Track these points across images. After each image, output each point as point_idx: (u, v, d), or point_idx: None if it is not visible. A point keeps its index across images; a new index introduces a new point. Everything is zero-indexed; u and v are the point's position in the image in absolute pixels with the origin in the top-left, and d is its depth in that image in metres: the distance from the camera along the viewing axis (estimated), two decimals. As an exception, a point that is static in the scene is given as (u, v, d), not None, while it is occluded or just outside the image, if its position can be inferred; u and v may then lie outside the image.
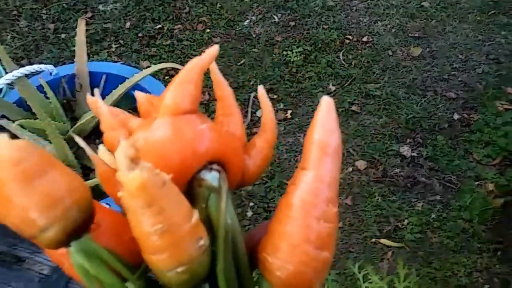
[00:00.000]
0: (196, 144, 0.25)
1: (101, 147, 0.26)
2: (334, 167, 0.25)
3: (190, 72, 0.26)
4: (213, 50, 0.26)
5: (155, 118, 0.26)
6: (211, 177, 0.25)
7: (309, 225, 0.25)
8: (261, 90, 0.29)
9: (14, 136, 0.85)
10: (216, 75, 0.28)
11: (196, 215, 0.22)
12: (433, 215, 1.50)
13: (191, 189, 0.25)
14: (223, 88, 0.29)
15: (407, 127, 1.77)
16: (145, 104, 0.28)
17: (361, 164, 1.64)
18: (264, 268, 0.26)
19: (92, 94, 0.28)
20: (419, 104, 1.85)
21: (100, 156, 0.27)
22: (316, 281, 0.25)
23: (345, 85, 1.92)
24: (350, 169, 1.63)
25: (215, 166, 0.25)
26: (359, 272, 0.63)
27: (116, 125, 0.26)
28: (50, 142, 0.86)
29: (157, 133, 0.25)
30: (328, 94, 1.88)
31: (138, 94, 0.29)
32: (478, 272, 1.37)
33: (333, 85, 1.91)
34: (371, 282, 0.63)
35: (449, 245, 1.43)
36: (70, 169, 0.23)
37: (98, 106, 0.27)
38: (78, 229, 0.22)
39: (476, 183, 1.59)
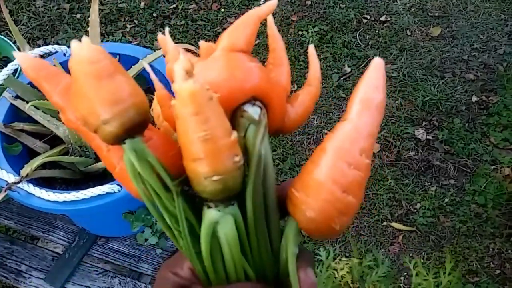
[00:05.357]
0: (244, 78, 0.27)
1: (156, 81, 0.28)
2: (373, 122, 0.27)
3: (248, 18, 0.30)
4: (272, 2, 0.29)
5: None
6: (253, 110, 0.27)
7: (339, 168, 0.26)
8: (311, 48, 0.32)
9: (28, 117, 0.87)
10: (272, 29, 0.31)
11: (235, 134, 0.25)
12: (446, 199, 1.49)
13: (234, 120, 0.27)
14: (277, 41, 0.32)
15: (423, 109, 1.74)
16: (205, 49, 0.31)
17: (375, 147, 1.63)
18: (290, 203, 0.28)
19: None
20: (437, 86, 1.81)
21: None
22: (337, 222, 0.27)
23: (361, 66, 1.88)
24: (363, 151, 1.62)
25: (258, 103, 0.28)
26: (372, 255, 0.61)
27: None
28: (64, 124, 0.88)
29: (212, 63, 0.28)
30: (344, 75, 1.86)
31: (202, 44, 0.32)
32: (490, 257, 1.36)
33: (348, 66, 1.88)
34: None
35: (461, 230, 1.42)
36: (133, 79, 0.26)
37: (166, 41, 0.31)
38: (134, 129, 0.25)
39: (492, 167, 1.56)
